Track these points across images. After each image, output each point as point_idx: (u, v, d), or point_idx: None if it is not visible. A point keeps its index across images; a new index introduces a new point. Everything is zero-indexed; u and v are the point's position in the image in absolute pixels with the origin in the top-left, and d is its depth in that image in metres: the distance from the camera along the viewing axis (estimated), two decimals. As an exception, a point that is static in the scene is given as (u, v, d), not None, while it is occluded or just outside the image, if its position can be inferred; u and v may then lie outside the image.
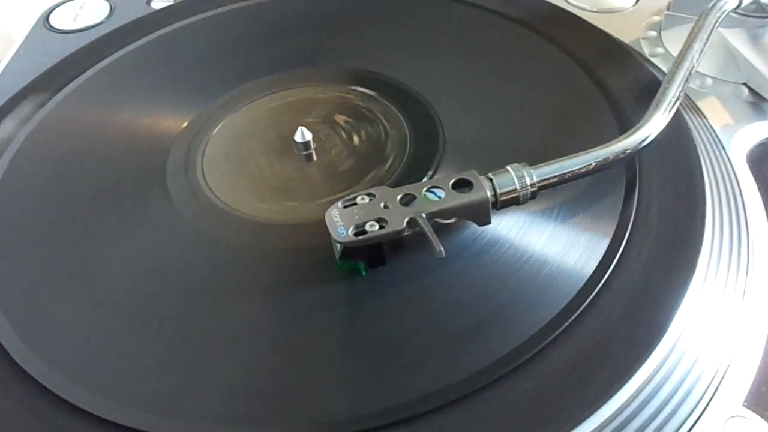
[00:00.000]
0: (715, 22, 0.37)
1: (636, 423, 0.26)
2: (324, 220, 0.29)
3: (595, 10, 0.48)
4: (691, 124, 0.35)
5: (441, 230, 0.30)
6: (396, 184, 0.32)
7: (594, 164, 0.30)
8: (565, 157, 0.30)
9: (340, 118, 0.39)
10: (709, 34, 0.37)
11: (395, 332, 0.28)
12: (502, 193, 0.29)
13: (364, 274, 0.30)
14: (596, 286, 0.28)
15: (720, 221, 0.32)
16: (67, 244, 0.33)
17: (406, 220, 0.28)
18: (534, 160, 0.30)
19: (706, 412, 0.27)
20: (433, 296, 0.29)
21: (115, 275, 0.32)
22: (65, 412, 0.26)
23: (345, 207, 0.29)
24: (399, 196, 0.29)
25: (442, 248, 0.27)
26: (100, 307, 0.30)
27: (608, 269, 0.29)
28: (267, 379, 0.27)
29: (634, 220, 0.31)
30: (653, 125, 0.32)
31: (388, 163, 0.36)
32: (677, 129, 0.34)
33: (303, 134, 0.36)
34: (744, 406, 0.27)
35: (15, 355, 0.28)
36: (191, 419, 0.26)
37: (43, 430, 0.26)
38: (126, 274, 0.32)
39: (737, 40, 0.41)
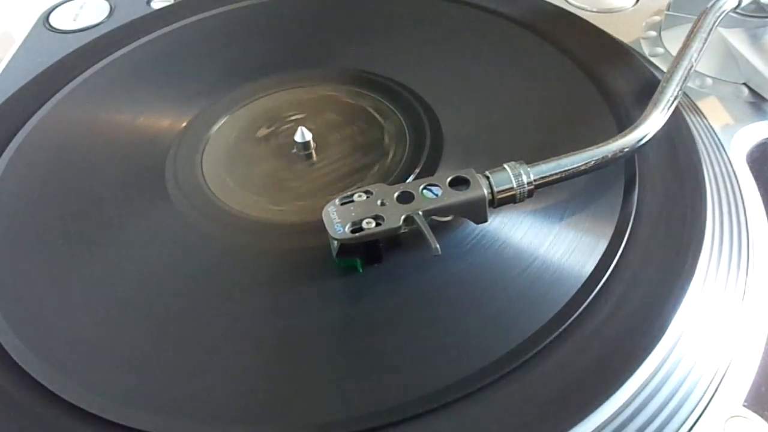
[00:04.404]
0: (715, 22, 0.37)
1: (636, 423, 0.26)
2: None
3: (595, 10, 0.48)
4: (691, 124, 0.35)
5: (438, 228, 0.30)
6: (394, 183, 0.32)
7: (592, 162, 0.30)
8: (562, 156, 0.30)
9: (340, 118, 0.39)
10: (708, 34, 0.37)
11: (392, 331, 0.28)
12: (498, 191, 0.29)
13: (361, 271, 0.29)
14: (595, 287, 0.28)
15: (720, 221, 0.32)
16: (66, 243, 0.33)
17: (402, 217, 0.28)
18: (533, 159, 0.30)
19: (706, 412, 0.27)
20: (430, 294, 0.29)
21: (114, 275, 0.32)
22: (65, 412, 0.26)
23: (342, 204, 0.29)
24: (396, 194, 0.29)
25: (438, 246, 0.27)
26: (99, 306, 0.30)
27: (607, 269, 0.29)
28: (264, 379, 0.27)
29: (634, 220, 0.31)
30: (651, 124, 0.32)
31: (387, 162, 0.36)
32: (677, 129, 0.34)
33: (303, 134, 0.36)
34: (744, 406, 0.27)
35: (15, 354, 0.28)
36: (190, 419, 0.26)
37: (42, 430, 0.26)
38: (125, 273, 0.32)
39: (737, 40, 0.41)
